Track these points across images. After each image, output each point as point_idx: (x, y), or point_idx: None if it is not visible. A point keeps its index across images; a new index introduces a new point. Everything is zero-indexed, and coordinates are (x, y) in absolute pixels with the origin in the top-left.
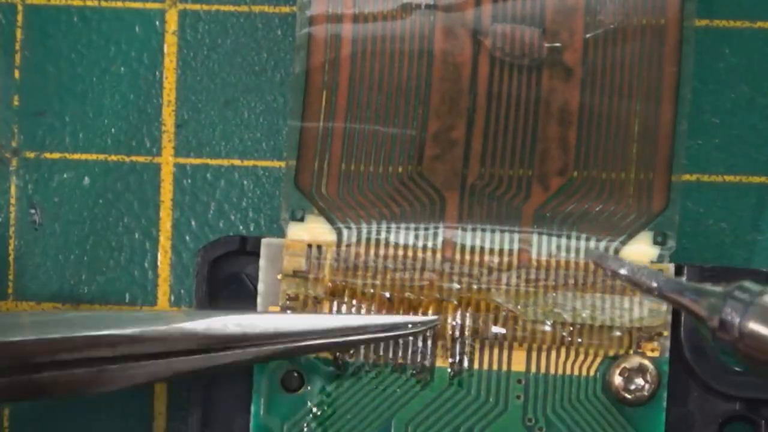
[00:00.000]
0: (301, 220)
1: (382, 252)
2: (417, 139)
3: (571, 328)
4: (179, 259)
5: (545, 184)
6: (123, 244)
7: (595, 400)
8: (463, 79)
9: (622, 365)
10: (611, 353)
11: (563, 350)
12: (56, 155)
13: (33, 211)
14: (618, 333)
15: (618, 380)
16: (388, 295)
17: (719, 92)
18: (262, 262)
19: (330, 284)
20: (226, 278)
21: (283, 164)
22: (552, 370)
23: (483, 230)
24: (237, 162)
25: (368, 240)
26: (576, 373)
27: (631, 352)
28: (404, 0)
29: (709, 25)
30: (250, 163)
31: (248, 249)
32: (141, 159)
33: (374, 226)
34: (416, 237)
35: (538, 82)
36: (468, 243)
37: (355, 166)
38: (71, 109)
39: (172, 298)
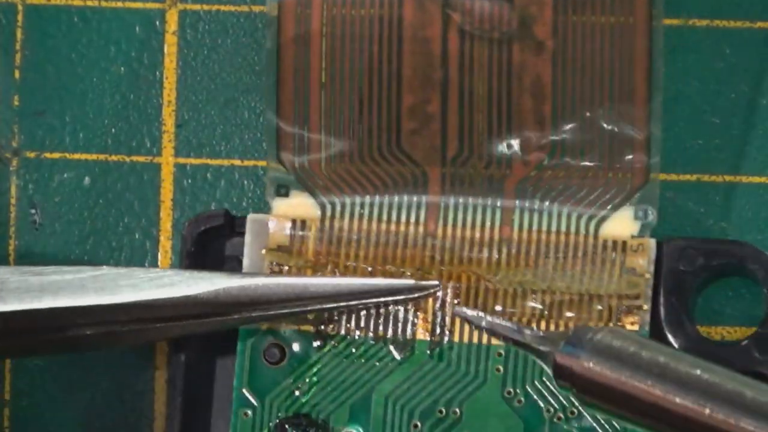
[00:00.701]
0: (286, 195)
1: (365, 226)
2: (393, 113)
3: (551, 301)
4: (179, 259)
5: (525, 159)
6: (123, 244)
7: None
8: (434, 52)
9: None
10: (591, 326)
11: (543, 323)
12: (56, 155)
13: (33, 211)
14: (598, 306)
15: None
16: (369, 269)
17: (719, 92)
18: (247, 237)
19: (313, 258)
20: (211, 254)
21: None
22: None
23: (465, 204)
24: (237, 162)
25: (351, 214)
26: None
27: (611, 325)
28: None
29: (709, 25)
30: (250, 163)
31: (236, 229)
32: (141, 159)
33: (357, 201)
34: (399, 211)
35: (510, 56)
36: (450, 216)
37: (335, 141)
38: (71, 109)
39: None
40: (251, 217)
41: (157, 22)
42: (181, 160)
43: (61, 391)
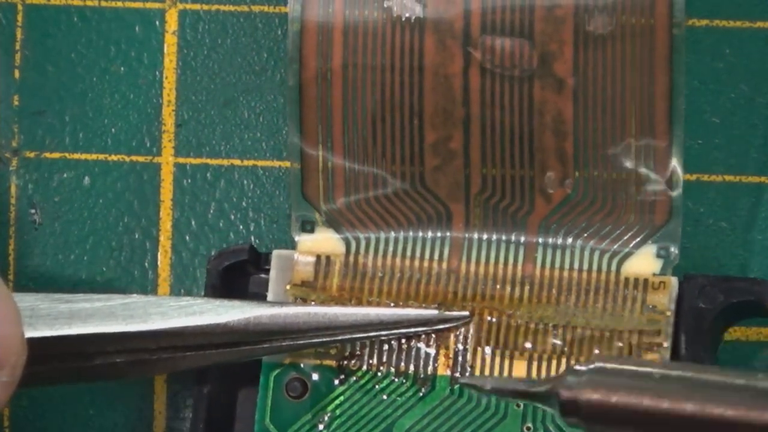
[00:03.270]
0: (311, 231)
1: (389, 262)
2: (416, 150)
3: (572, 338)
4: (179, 259)
5: (547, 196)
6: (123, 244)
7: None
8: (455, 90)
9: None
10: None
11: (563, 360)
12: (56, 155)
13: (33, 210)
14: (619, 343)
15: None
16: (392, 305)
17: (719, 92)
18: (272, 273)
19: (337, 294)
20: (235, 290)
21: (282, 164)
22: None
23: (488, 241)
24: (237, 162)
25: (376, 251)
26: None
27: None
28: (394, 13)
29: (709, 25)
30: (250, 163)
31: (261, 265)
32: (141, 159)
33: (382, 237)
34: (423, 247)
35: (531, 94)
36: (473, 253)
37: (359, 178)
38: (71, 109)
39: None
40: (276, 252)
41: (157, 22)
42: (181, 160)
43: (62, 390)
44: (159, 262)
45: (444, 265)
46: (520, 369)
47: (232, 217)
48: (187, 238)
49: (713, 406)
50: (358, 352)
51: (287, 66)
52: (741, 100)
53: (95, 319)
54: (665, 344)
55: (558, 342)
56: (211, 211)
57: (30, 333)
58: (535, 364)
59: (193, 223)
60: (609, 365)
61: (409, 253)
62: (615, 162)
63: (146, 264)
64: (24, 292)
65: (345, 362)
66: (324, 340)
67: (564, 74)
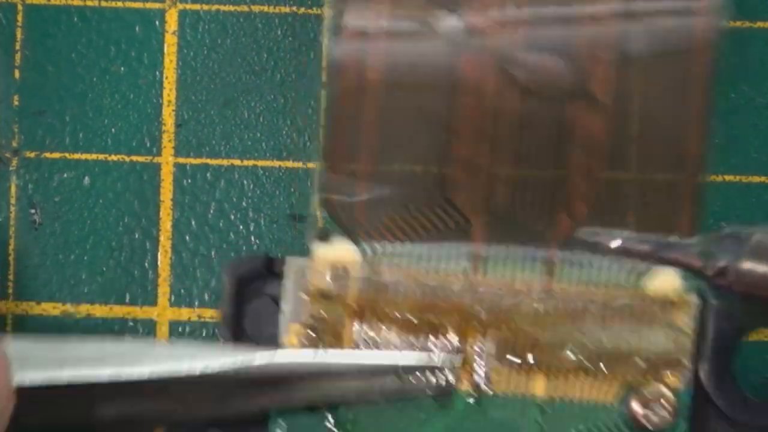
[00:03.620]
0: (327, 240)
1: (407, 274)
2: (443, 163)
3: (593, 355)
4: (179, 259)
5: (571, 213)
6: (123, 244)
7: (614, 427)
8: (489, 106)
9: (643, 394)
10: (632, 381)
11: (584, 376)
12: (56, 155)
13: (33, 211)
14: (639, 361)
15: (638, 408)
16: (411, 316)
17: (719, 92)
18: (287, 281)
19: (354, 305)
20: (249, 296)
21: (282, 164)
22: (572, 396)
23: (509, 256)
24: (237, 162)
25: (394, 262)
26: (596, 399)
27: (652, 380)
28: (431, 28)
29: None
30: (250, 163)
31: (272, 268)
32: (141, 159)
33: (400, 249)
34: (442, 260)
35: (564, 112)
36: (493, 267)
37: (381, 189)
38: (71, 109)
39: (173, 298)
40: (291, 260)
41: (157, 22)
42: (181, 160)
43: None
44: (159, 262)
45: (463, 279)
46: (539, 384)
47: (232, 217)
48: (187, 238)
49: None
50: None
51: (327, 80)
52: (741, 100)
53: (86, 364)
54: (687, 363)
55: (578, 358)
56: (211, 211)
57: (18, 379)
58: (555, 379)
59: (193, 223)
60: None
61: (427, 265)
62: (642, 182)
63: (146, 264)
64: (19, 336)
65: None
66: (323, 393)
67: (599, 94)
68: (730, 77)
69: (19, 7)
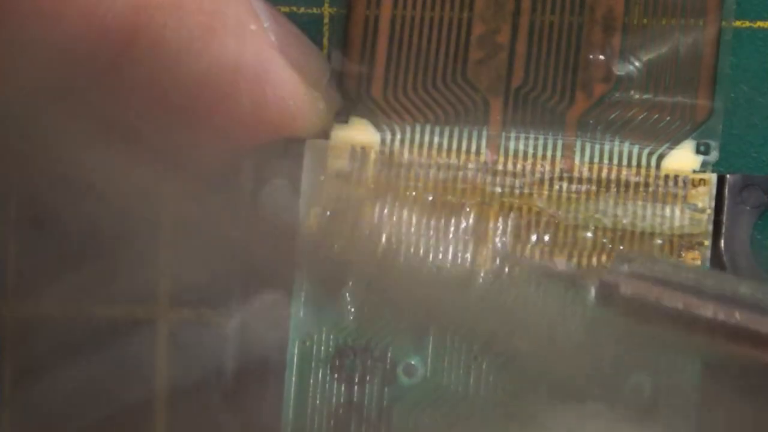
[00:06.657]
0: (346, 122)
1: (425, 154)
2: (462, 42)
3: (612, 235)
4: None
5: (589, 91)
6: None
7: None
8: None
9: None
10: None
11: (604, 257)
12: None
13: None
14: (659, 241)
15: None
16: (430, 197)
17: (719, 92)
18: (305, 162)
19: (373, 186)
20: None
21: None
22: None
23: (526, 136)
24: None
25: (412, 142)
26: None
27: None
28: None
29: None
30: None
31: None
32: None
33: (418, 129)
34: (460, 140)
35: None
36: (511, 148)
37: (400, 70)
38: None
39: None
40: (310, 142)
41: None
42: None
43: None
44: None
45: (482, 159)
46: (559, 265)
47: None
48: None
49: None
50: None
51: None
52: (741, 100)
53: None
54: (706, 242)
55: (597, 237)
56: None
57: None
58: (574, 260)
59: None
60: (649, 264)
61: (446, 145)
62: (660, 59)
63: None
64: None
65: None
66: None
67: None
68: (730, 77)
69: None
